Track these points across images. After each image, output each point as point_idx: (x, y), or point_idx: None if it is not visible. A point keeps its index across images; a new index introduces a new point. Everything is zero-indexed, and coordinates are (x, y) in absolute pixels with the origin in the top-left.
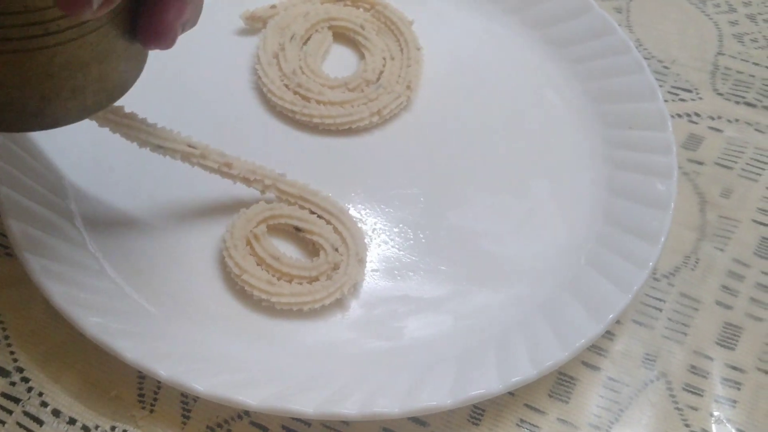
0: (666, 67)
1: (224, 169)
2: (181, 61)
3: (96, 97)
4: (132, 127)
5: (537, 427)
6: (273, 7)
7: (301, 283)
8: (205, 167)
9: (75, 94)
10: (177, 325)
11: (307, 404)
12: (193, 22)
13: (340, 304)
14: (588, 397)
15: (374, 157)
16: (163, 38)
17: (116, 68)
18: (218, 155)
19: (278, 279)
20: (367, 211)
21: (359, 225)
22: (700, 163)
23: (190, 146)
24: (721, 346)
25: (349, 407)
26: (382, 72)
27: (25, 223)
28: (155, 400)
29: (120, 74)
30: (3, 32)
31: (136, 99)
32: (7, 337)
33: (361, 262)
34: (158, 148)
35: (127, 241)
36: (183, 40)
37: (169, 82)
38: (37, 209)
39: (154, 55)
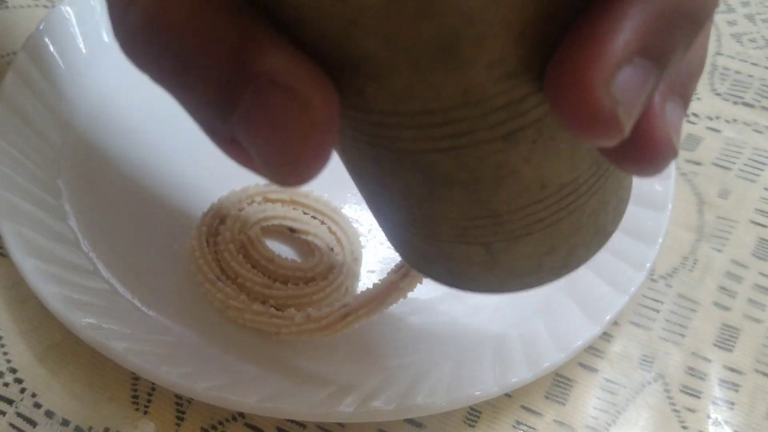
0: None
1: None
2: None
3: (613, 224)
4: None
5: (533, 428)
6: None
7: (297, 285)
8: None
9: (597, 233)
10: (171, 326)
11: (302, 405)
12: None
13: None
14: (585, 398)
15: None
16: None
17: (629, 185)
18: None
19: (274, 281)
20: (363, 211)
21: (355, 225)
22: (698, 164)
23: None
24: (719, 347)
25: (345, 408)
26: None
27: (19, 223)
28: (149, 401)
29: (629, 188)
30: (536, 216)
31: (133, 100)
32: (0, 338)
33: (357, 262)
34: None
35: (121, 242)
36: None
37: None
38: (30, 209)
39: None
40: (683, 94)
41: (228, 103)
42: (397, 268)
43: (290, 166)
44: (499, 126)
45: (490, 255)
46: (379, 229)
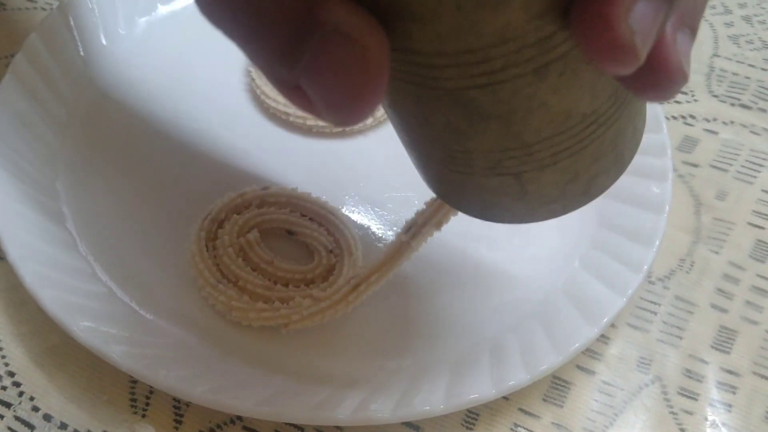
0: None
1: None
2: (175, 63)
3: (631, 151)
4: None
5: (531, 431)
6: None
7: (297, 287)
8: None
9: (616, 161)
10: (169, 330)
11: (300, 409)
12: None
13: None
14: (582, 401)
15: (368, 159)
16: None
17: (642, 115)
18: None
19: (274, 283)
20: (361, 213)
21: (353, 227)
22: (695, 166)
23: None
24: (716, 349)
25: (342, 412)
26: None
27: (16, 226)
28: (147, 404)
29: (643, 117)
30: (563, 144)
31: (131, 103)
32: None
33: (356, 263)
34: None
35: (119, 245)
36: (177, 42)
37: (162, 84)
38: (28, 212)
39: (149, 58)
40: (691, 25)
41: (295, 52)
42: (406, 228)
43: (349, 107)
44: (531, 61)
45: (520, 185)
46: (377, 233)
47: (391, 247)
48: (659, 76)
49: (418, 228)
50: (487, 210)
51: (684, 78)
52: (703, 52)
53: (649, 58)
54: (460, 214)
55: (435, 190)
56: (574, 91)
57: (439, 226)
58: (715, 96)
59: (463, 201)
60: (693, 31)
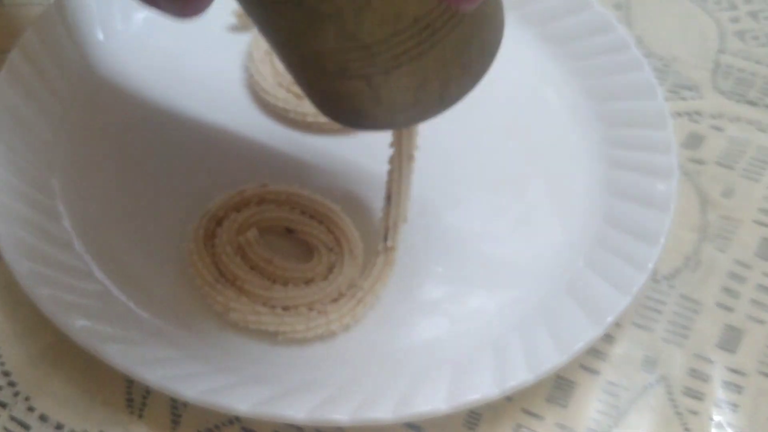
0: (666, 65)
1: None
2: (173, 59)
3: (480, 62)
4: None
5: None
6: None
7: (297, 285)
8: None
9: (465, 70)
10: (166, 329)
11: (299, 410)
12: None
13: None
14: (587, 401)
15: (368, 156)
16: None
17: (491, 29)
18: None
19: (273, 282)
20: (362, 211)
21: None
22: (701, 163)
23: None
24: (722, 349)
25: (342, 413)
26: None
27: (11, 223)
28: (144, 405)
29: (494, 32)
30: (399, 48)
31: (128, 99)
32: None
33: (356, 260)
34: None
35: (116, 243)
36: (174, 37)
37: (161, 80)
38: (23, 209)
39: (146, 53)
40: None
41: None
42: (383, 237)
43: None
44: None
45: (371, 89)
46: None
47: (380, 259)
48: None
49: (391, 230)
50: (354, 116)
51: None
52: (709, 49)
53: None
54: (464, 209)
55: (313, 102)
56: None
57: (404, 219)
58: (721, 93)
59: (334, 109)
60: None
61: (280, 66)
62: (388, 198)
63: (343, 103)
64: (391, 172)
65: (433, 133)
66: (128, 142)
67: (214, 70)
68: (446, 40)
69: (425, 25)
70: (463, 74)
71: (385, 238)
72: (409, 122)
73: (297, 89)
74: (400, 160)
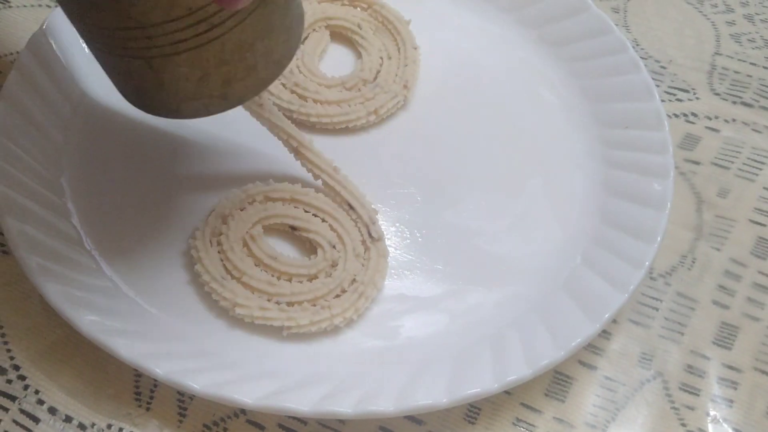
0: (663, 67)
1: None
2: None
3: (267, 70)
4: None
5: (533, 425)
6: None
7: (301, 282)
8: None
9: (249, 73)
10: (173, 324)
11: (303, 403)
12: None
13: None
14: (584, 396)
15: (371, 156)
16: None
17: (279, 40)
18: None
19: (278, 278)
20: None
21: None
22: (697, 163)
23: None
24: (718, 345)
25: (345, 406)
26: (379, 71)
27: (22, 221)
28: (152, 398)
29: (283, 44)
30: (177, 35)
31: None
32: (3, 335)
33: (359, 257)
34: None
35: (124, 239)
36: None
37: None
38: (33, 207)
39: None
40: None
41: None
42: (367, 234)
43: None
44: None
45: (153, 72)
46: (381, 226)
47: (373, 251)
48: None
49: (370, 226)
50: (141, 98)
51: None
52: (705, 51)
53: None
54: (463, 207)
55: (110, 77)
56: None
57: (375, 211)
58: (717, 94)
59: (125, 87)
60: None
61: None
62: (349, 205)
63: (130, 81)
64: (332, 189)
65: (432, 134)
66: (136, 142)
67: None
68: (225, 38)
69: (201, 18)
70: (247, 77)
71: (370, 234)
72: (195, 113)
73: (301, 90)
74: (329, 175)
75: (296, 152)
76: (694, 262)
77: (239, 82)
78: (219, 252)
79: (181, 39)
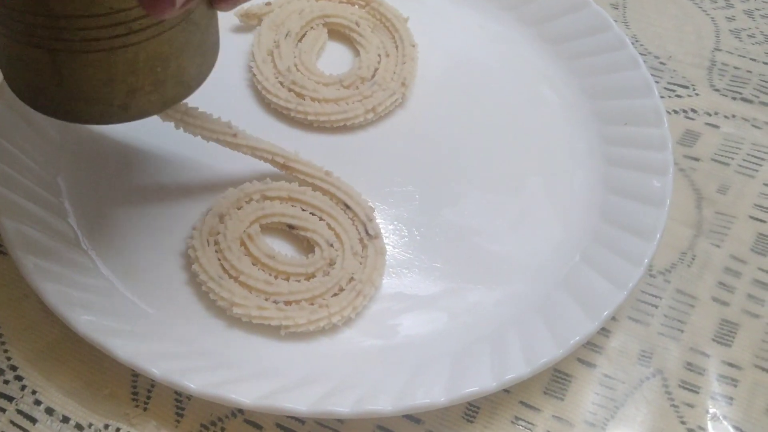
0: (663, 63)
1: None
2: None
3: (175, 89)
4: (192, 124)
5: (532, 424)
6: (268, 4)
7: (298, 281)
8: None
9: (156, 87)
10: (170, 324)
11: (301, 402)
12: None
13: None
14: (583, 394)
15: (369, 154)
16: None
17: (193, 61)
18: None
19: (275, 277)
20: None
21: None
22: (697, 159)
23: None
24: (718, 342)
25: (343, 405)
26: (377, 69)
27: (19, 221)
28: (149, 398)
29: (196, 67)
30: (91, 33)
31: None
32: (0, 336)
33: (357, 256)
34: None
35: (121, 239)
36: None
37: None
38: (30, 207)
39: None
40: None
41: None
42: (364, 233)
43: None
44: None
45: (55, 66)
46: (379, 224)
47: (370, 249)
48: None
49: (367, 223)
50: (34, 92)
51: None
52: (705, 46)
53: None
54: (463, 205)
55: (2, 66)
56: None
57: (371, 208)
58: (717, 90)
59: (16, 79)
60: None
61: (282, 66)
62: (345, 205)
63: (25, 72)
64: (326, 191)
65: (430, 131)
66: (133, 142)
67: (218, 70)
68: (141, 47)
69: (121, 21)
70: (154, 91)
71: (367, 232)
72: (88, 119)
73: (298, 89)
74: (322, 180)
75: (285, 168)
76: (693, 259)
77: (144, 96)
78: (216, 251)
79: (95, 38)
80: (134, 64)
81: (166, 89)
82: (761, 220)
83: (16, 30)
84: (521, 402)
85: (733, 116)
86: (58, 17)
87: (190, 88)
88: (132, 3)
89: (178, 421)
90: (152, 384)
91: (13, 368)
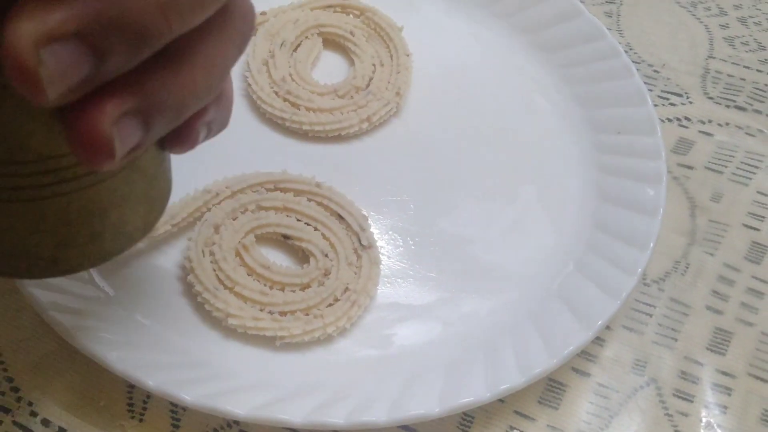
0: (656, 71)
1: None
2: None
3: (115, 241)
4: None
5: None
6: (263, 13)
7: (294, 291)
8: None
9: (93, 239)
10: (165, 335)
11: (295, 413)
12: (220, 123)
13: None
14: (578, 403)
15: (364, 164)
16: (185, 142)
17: (136, 211)
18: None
19: (270, 288)
20: None
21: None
22: (690, 168)
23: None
24: (712, 351)
25: (338, 416)
26: (371, 78)
27: None
28: (144, 409)
29: (141, 216)
30: (14, 181)
31: None
32: None
33: (352, 266)
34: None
35: None
36: None
37: None
38: None
39: None
40: (148, 119)
41: None
42: (357, 242)
43: None
44: None
45: None
46: (374, 234)
47: (365, 259)
48: (78, 135)
49: (360, 234)
50: None
51: (107, 155)
52: (699, 54)
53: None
54: (456, 214)
55: None
56: (21, 115)
57: (365, 218)
58: (710, 98)
59: None
60: (148, 126)
61: (276, 76)
62: (338, 216)
63: None
64: (319, 203)
65: (425, 141)
66: None
67: None
68: (73, 197)
69: (50, 168)
70: (89, 243)
71: (360, 242)
72: (12, 272)
73: (293, 98)
74: (313, 193)
75: (276, 190)
76: (687, 268)
77: (77, 248)
78: (212, 262)
79: (18, 186)
80: (65, 215)
81: (104, 242)
82: (755, 228)
83: None
84: (516, 411)
85: (727, 124)
86: None
87: (133, 240)
88: (64, 149)
89: None
90: (148, 395)
91: (9, 380)
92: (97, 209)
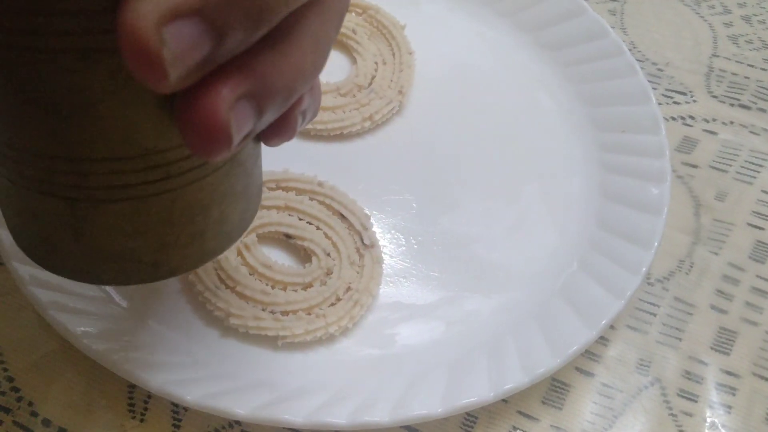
0: (660, 70)
1: None
2: None
3: (216, 241)
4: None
5: None
6: None
7: (295, 290)
8: None
9: (194, 239)
10: (166, 334)
11: (297, 414)
12: (313, 111)
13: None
14: (582, 403)
15: (366, 162)
16: (285, 131)
17: (235, 209)
18: None
19: (272, 287)
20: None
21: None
22: (695, 166)
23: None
24: (716, 351)
25: (340, 416)
26: (374, 77)
27: None
28: (145, 409)
29: (240, 213)
30: (114, 179)
31: None
32: None
33: (354, 266)
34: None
35: None
36: None
37: None
38: None
39: None
40: (262, 103)
41: None
42: (360, 241)
43: None
44: (73, 38)
45: (74, 217)
46: (376, 233)
47: (367, 258)
48: (194, 123)
49: (362, 233)
50: (46, 250)
51: (226, 143)
52: (703, 52)
53: (193, 106)
54: (460, 213)
55: (7, 217)
56: (131, 106)
57: (367, 217)
58: (715, 96)
59: (22, 234)
60: (260, 109)
61: None
62: (340, 215)
63: (33, 226)
64: (320, 203)
65: (427, 139)
66: None
67: None
68: (178, 194)
69: (158, 163)
70: (191, 244)
71: (362, 242)
72: (111, 279)
73: None
74: (315, 192)
75: (278, 189)
76: (691, 267)
77: (179, 250)
78: (213, 261)
79: (122, 184)
80: (169, 214)
81: (205, 241)
82: (759, 228)
83: (26, 176)
84: (519, 412)
85: (731, 123)
86: (81, 160)
87: (231, 239)
88: (172, 142)
89: None
90: (149, 395)
91: (10, 379)
92: (200, 207)
